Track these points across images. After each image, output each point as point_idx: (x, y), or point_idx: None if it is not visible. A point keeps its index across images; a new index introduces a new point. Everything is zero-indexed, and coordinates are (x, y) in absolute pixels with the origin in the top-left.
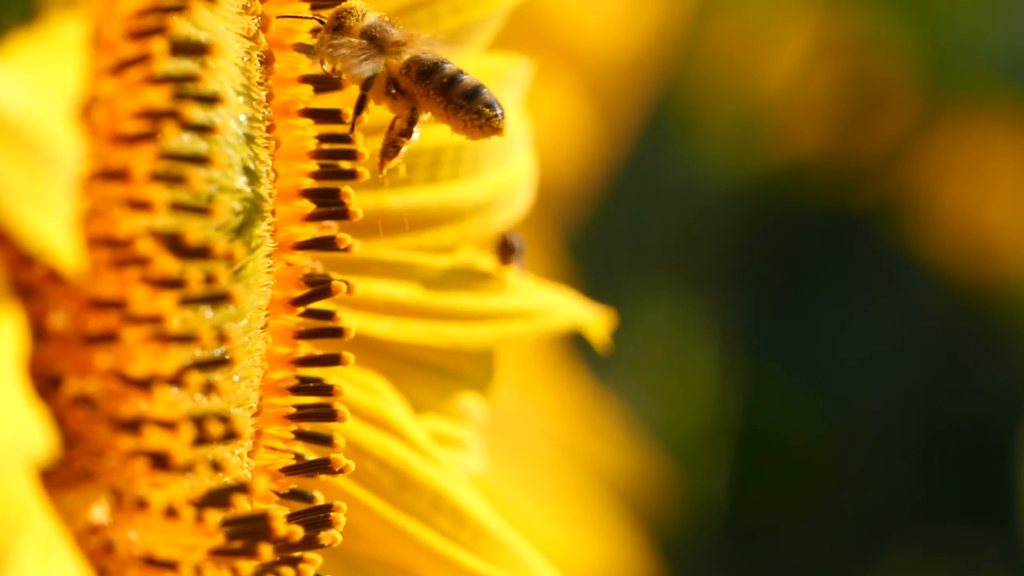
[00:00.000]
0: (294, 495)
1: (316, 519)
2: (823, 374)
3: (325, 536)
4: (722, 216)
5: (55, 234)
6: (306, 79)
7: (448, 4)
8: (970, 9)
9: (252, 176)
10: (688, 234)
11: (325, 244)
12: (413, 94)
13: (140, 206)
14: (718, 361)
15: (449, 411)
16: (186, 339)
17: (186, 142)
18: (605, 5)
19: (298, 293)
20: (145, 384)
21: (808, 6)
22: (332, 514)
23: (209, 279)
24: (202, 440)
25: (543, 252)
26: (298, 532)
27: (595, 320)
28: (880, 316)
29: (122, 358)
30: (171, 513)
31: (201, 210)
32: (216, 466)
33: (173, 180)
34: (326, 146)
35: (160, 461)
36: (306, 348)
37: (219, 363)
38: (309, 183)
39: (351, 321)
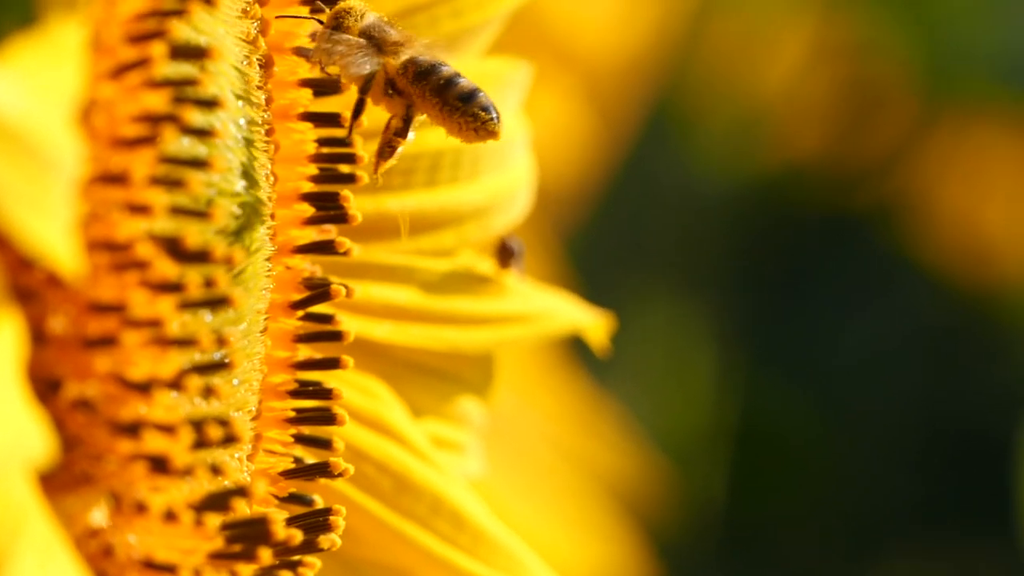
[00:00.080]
0: (293, 499)
1: (315, 523)
2: (822, 376)
3: (324, 540)
4: (721, 218)
5: (54, 238)
6: (305, 83)
7: (447, 8)
8: (968, 12)
9: (251, 180)
10: (687, 236)
11: (324, 248)
12: (410, 94)
13: (139, 210)
14: (717, 363)
15: (448, 415)
16: (185, 343)
17: (185, 146)
18: (603, 8)
19: (297, 297)
20: (144, 388)
21: (806, 9)
22: (331, 518)
23: (208, 283)
24: (201, 444)
25: (542, 255)
26: (297, 536)
27: (594, 324)
28: (879, 318)
29: (121, 362)
30: (170, 517)
31: (200, 214)
32: (215, 470)
33: (172, 184)
34: (325, 150)
35: (159, 465)
36: (305, 352)
37: (218, 367)
38: (308, 187)
39: (350, 325)
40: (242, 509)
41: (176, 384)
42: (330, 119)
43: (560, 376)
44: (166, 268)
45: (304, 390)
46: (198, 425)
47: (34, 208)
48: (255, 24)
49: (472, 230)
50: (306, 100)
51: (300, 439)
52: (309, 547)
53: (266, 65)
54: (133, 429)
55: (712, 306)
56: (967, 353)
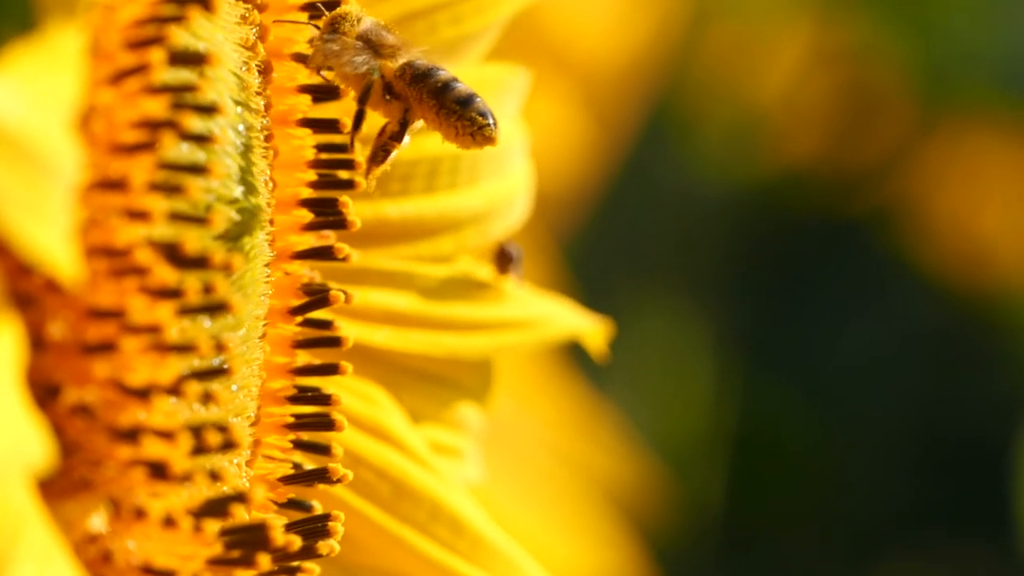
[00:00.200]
0: (292, 504)
1: (314, 528)
2: (820, 381)
3: (323, 545)
4: (719, 223)
5: (53, 244)
6: (304, 89)
7: (447, 14)
8: (966, 17)
9: (250, 186)
10: (685, 241)
11: (323, 254)
12: (407, 98)
13: (138, 216)
14: (715, 368)
15: (447, 420)
16: (184, 349)
17: (184, 152)
18: (601, 13)
19: (296, 302)
20: (143, 394)
21: (804, 13)
22: (330, 523)
23: (207, 289)
24: (200, 449)
25: (540, 261)
26: (296, 541)
27: (592, 329)
28: (877, 322)
29: (120, 367)
30: (169, 522)
31: (199, 220)
32: (214, 475)
33: (171, 190)
34: (324, 156)
35: (158, 470)
36: (304, 357)
37: (217, 373)
38: (307, 193)
39: (349, 330)
40: (241, 515)
41: (175, 390)
42: (329, 125)
43: (558, 381)
44: (165, 274)
45: (303, 396)
46: (197, 431)
47: (33, 214)
48: (254, 30)
49: (471, 236)
50: (305, 106)
51: (299, 445)
52: (308, 553)
53: (265, 71)
54: (132, 435)
55: (710, 311)
56: (965, 357)
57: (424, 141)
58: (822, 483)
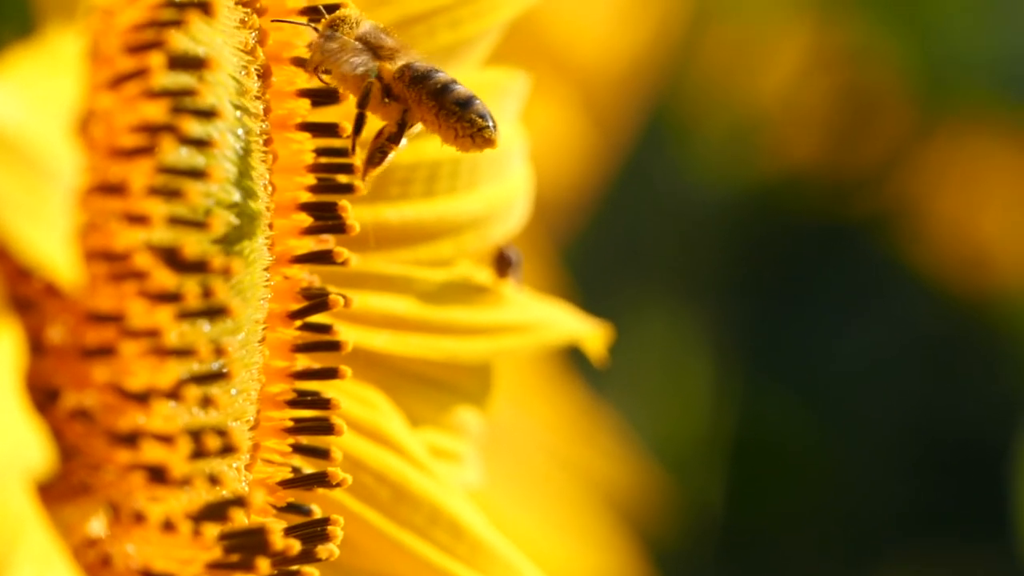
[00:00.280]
0: (291, 508)
1: (313, 533)
2: (819, 384)
3: (322, 550)
4: (717, 227)
5: (53, 248)
6: (303, 93)
7: (445, 18)
8: (964, 20)
9: (249, 190)
10: (684, 245)
11: (322, 258)
12: (405, 99)
13: (138, 220)
14: (714, 371)
15: (446, 424)
16: (183, 353)
17: (184, 156)
18: (599, 17)
19: (295, 306)
20: (143, 398)
21: (802, 16)
22: (329, 528)
23: (206, 293)
24: (199, 454)
25: (539, 265)
26: (295, 546)
27: (591, 333)
28: (876, 325)
29: (120, 372)
30: (168, 527)
31: (198, 224)
32: (213, 480)
33: (171, 194)
34: (323, 160)
35: (157, 475)
36: (303, 361)
37: (216, 376)
38: (306, 197)
39: (348, 335)
40: (240, 519)
41: (174, 394)
42: (328, 129)
43: (557, 385)
44: (164, 278)
45: (302, 400)
46: (196, 435)
47: (32, 218)
48: (253, 34)
49: (470, 240)
50: (304, 110)
51: (298, 449)
52: (307, 557)
53: (264, 75)
54: (131, 439)
55: (709, 314)
56: (964, 360)
57: (423, 145)
58: (821, 486)
